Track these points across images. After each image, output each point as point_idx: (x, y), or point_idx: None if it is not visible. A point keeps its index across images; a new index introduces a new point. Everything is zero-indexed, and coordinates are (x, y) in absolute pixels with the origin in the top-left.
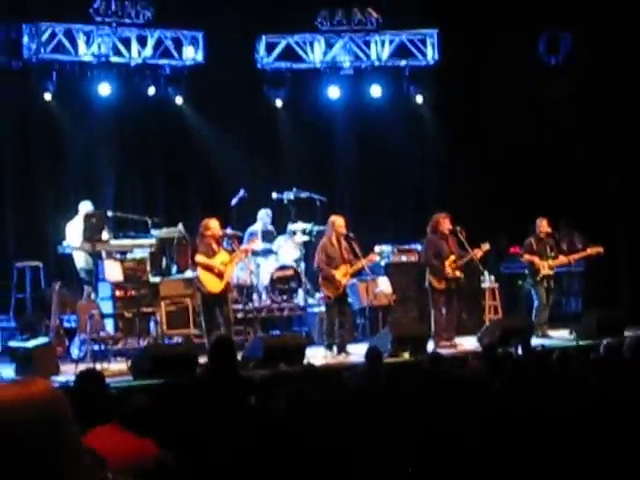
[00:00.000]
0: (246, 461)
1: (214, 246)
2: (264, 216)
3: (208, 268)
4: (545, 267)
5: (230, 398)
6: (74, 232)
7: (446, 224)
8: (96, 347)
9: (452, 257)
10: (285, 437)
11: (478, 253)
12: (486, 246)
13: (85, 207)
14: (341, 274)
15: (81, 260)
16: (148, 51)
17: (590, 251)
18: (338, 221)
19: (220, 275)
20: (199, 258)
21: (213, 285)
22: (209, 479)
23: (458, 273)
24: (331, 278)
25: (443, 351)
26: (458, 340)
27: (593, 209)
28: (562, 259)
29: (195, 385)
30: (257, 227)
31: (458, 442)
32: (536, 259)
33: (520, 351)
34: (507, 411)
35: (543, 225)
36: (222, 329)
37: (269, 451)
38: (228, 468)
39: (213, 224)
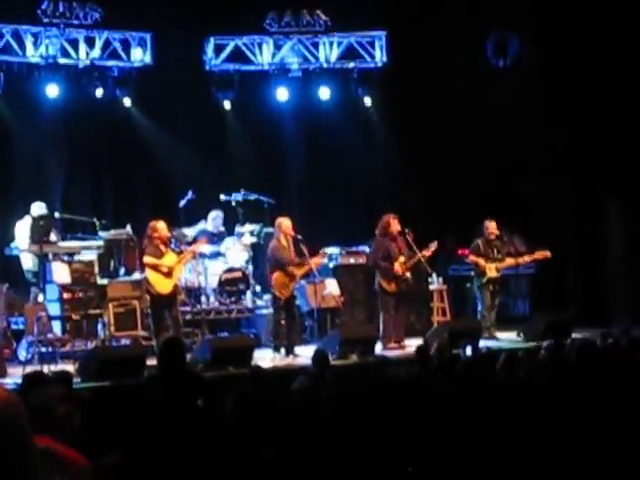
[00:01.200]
0: (194, 461)
1: (162, 248)
2: (216, 217)
3: (156, 268)
4: (492, 269)
5: (180, 398)
6: (22, 233)
7: (395, 225)
8: (44, 349)
9: (401, 258)
10: (230, 439)
11: (426, 253)
12: (434, 245)
13: (38, 208)
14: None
15: (28, 262)
16: (96, 52)
17: (537, 255)
18: (285, 222)
19: (169, 274)
20: (147, 259)
21: (162, 286)
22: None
23: (408, 274)
24: (287, 271)
25: (391, 353)
26: (407, 342)
27: (541, 211)
28: (509, 261)
29: (144, 386)
30: (208, 227)
31: (405, 444)
32: (481, 261)
33: (468, 353)
34: (455, 412)
35: (492, 227)
36: (171, 331)
37: (216, 452)
38: (174, 468)
39: (160, 226)
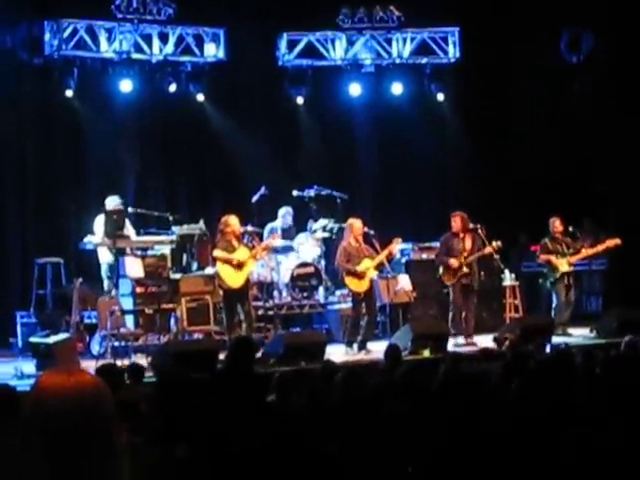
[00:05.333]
0: (261, 457)
1: (234, 242)
2: (285, 214)
3: (227, 262)
4: (563, 264)
5: (246, 395)
6: (98, 227)
7: (456, 222)
8: (116, 343)
9: (464, 254)
10: (302, 434)
11: (487, 249)
12: (498, 243)
13: (111, 202)
14: (364, 266)
15: (106, 255)
16: (169, 48)
17: (608, 243)
18: (356, 224)
19: (240, 268)
20: (217, 252)
21: (233, 280)
22: (223, 473)
23: (465, 269)
24: (354, 273)
25: (462, 349)
26: (478, 338)
27: (616, 207)
28: (581, 254)
29: (213, 381)
30: (277, 223)
31: (477, 441)
32: (552, 258)
33: (547, 350)
34: (525, 410)
35: (556, 225)
36: (243, 326)
37: (285, 447)
38: (243, 463)
39: (233, 221)
